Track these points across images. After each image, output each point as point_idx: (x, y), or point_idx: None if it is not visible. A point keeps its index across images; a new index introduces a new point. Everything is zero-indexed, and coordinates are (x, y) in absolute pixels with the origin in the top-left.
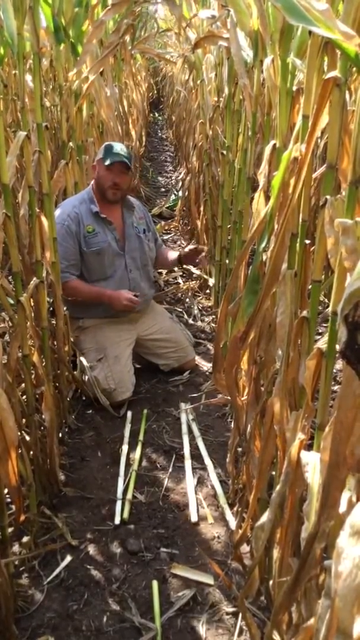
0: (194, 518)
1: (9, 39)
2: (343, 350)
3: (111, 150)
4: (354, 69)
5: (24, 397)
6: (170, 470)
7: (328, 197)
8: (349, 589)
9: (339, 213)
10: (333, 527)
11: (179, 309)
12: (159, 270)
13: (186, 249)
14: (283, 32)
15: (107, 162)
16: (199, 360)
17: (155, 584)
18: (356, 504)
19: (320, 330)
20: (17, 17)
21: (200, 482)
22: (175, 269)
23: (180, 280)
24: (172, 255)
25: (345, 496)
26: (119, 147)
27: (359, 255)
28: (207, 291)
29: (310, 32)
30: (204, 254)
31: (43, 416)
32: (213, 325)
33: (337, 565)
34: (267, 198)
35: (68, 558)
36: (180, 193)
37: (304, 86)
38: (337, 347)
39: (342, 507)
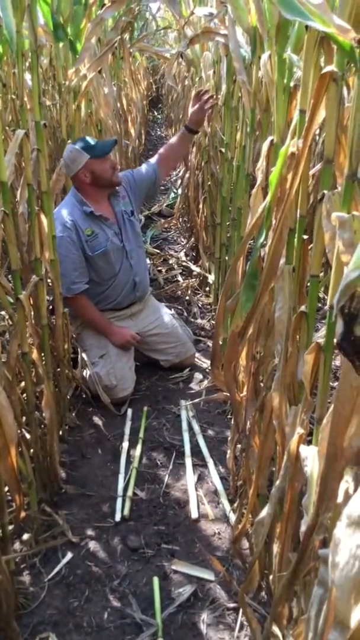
0: (194, 515)
1: (8, 37)
2: (339, 342)
3: (92, 145)
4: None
5: (24, 395)
6: (170, 467)
7: (326, 191)
8: (347, 579)
9: (336, 207)
10: (331, 520)
11: (179, 307)
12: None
13: (191, 108)
14: (279, 27)
15: (99, 154)
16: (198, 357)
17: (156, 580)
18: (353, 495)
19: (319, 328)
20: (15, 15)
21: (201, 479)
22: (179, 263)
23: (179, 278)
24: (176, 138)
25: (343, 488)
26: (92, 139)
27: (355, 249)
28: (207, 289)
29: (306, 27)
30: (206, 97)
31: (43, 414)
32: (213, 322)
33: (335, 555)
34: (265, 194)
35: (69, 555)
36: (179, 191)
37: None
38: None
39: (340, 499)
